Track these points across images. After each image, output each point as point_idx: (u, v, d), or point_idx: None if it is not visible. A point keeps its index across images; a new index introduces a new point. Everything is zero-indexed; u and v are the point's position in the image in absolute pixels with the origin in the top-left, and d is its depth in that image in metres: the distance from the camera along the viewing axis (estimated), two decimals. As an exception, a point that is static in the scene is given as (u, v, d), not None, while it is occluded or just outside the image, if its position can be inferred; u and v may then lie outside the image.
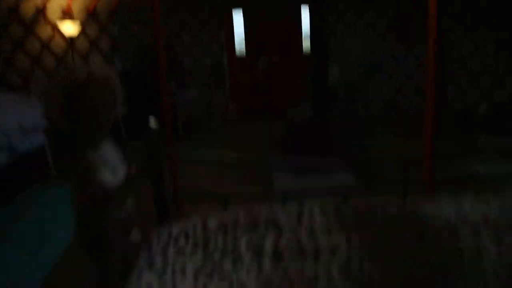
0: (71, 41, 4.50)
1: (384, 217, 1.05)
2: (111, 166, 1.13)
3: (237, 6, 5.80)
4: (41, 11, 4.39)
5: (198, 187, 3.07)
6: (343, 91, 4.01)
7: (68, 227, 1.26)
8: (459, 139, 4.26)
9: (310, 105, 3.42)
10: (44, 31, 4.50)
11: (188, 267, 0.93)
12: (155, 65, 2.28)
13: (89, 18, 4.71)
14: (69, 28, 4.31)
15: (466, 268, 0.87)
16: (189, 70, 5.70)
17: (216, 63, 6.02)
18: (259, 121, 5.60)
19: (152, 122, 1.25)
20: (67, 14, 4.32)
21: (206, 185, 3.45)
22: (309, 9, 3.83)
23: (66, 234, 1.98)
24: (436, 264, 0.89)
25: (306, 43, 5.61)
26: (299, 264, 0.90)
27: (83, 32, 4.62)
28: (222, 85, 6.13)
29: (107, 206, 1.11)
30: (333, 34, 5.66)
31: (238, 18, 6.00)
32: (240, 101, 6.49)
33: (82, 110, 1.06)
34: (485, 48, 5.10)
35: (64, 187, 1.29)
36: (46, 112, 2.35)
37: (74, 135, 1.10)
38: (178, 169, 2.38)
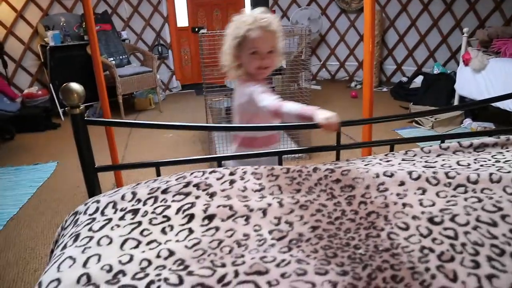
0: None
1: (316, 178, 1.06)
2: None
3: (177, -26, 5.51)
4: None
5: (137, 159, 2.97)
6: (287, 63, 4.02)
7: None
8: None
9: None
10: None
11: (115, 237, 0.88)
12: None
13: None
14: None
15: (391, 218, 0.90)
16: (129, 44, 5.41)
17: (158, 36, 5.76)
18: (202, 95, 5.49)
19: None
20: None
21: (144, 156, 3.37)
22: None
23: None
24: (364, 217, 0.92)
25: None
26: (230, 225, 0.88)
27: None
28: (165, 59, 5.90)
29: None
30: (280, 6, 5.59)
31: (179, -12, 5.71)
32: (184, 74, 6.31)
33: None
34: (420, 23, 5.32)
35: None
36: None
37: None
38: (114, 142, 2.26)
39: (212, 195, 1.00)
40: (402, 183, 1.02)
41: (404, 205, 0.95)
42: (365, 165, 1.16)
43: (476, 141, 1.33)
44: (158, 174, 1.25)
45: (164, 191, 1.01)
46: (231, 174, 1.08)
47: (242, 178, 1.06)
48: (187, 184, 1.04)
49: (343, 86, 5.90)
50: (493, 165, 1.14)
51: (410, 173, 1.05)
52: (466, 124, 3.80)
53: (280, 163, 1.29)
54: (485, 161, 1.19)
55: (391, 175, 1.04)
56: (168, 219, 0.91)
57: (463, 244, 0.81)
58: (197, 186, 1.03)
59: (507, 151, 1.28)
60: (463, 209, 0.92)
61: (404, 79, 5.30)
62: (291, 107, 1.19)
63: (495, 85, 3.33)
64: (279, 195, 1.00)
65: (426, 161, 1.19)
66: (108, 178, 2.43)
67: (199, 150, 3.61)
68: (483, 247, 0.81)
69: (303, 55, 3.61)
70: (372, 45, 2.79)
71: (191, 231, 0.87)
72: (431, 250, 0.80)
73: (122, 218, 0.94)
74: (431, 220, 0.89)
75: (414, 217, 0.90)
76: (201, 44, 3.00)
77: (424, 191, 1.00)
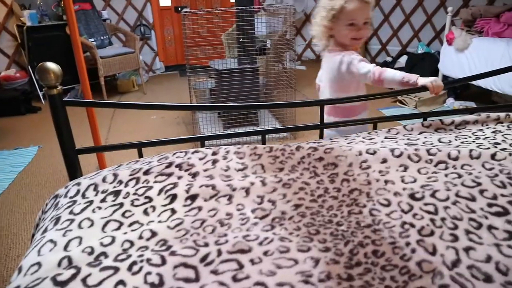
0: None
1: (299, 156, 1.06)
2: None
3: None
4: None
5: (120, 141, 2.94)
6: (271, 43, 3.98)
7: None
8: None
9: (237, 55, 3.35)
10: None
11: (96, 219, 0.86)
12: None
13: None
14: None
15: (373, 195, 0.91)
16: (110, 24, 5.26)
17: (141, 16, 5.62)
18: (186, 76, 5.41)
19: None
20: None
21: (128, 138, 3.32)
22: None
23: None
24: (346, 194, 0.92)
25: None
26: (213, 205, 0.88)
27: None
28: (148, 39, 5.77)
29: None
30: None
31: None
32: (168, 55, 6.20)
33: None
34: (405, 2, 5.29)
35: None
36: None
37: None
38: (96, 124, 2.22)
39: (194, 175, 0.99)
40: (384, 161, 1.03)
41: (386, 182, 0.96)
42: (348, 143, 1.16)
43: (458, 118, 1.34)
44: (141, 156, 1.23)
45: (146, 172, 1.00)
46: (214, 153, 1.07)
47: (224, 158, 1.05)
48: (169, 165, 1.02)
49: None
50: (474, 141, 1.16)
51: (392, 150, 1.06)
52: (449, 103, 3.85)
53: (263, 142, 1.28)
54: (466, 138, 1.20)
55: (374, 153, 1.05)
56: (150, 200, 0.90)
57: (443, 219, 0.83)
58: (179, 166, 1.02)
59: (487, 128, 1.30)
60: (444, 184, 0.93)
61: (389, 59, 5.31)
62: (393, 73, 1.31)
63: (477, 65, 3.36)
64: (262, 174, 1.00)
65: (408, 139, 1.20)
66: (91, 161, 2.40)
67: (184, 131, 3.58)
68: (461, 221, 0.82)
69: (287, 35, 3.57)
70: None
71: (173, 211, 0.86)
72: (412, 225, 0.81)
73: (103, 200, 0.92)
74: (412, 196, 0.90)
75: (395, 194, 0.91)
76: (184, 24, 2.93)
77: (406, 168, 1.01)
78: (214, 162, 1.04)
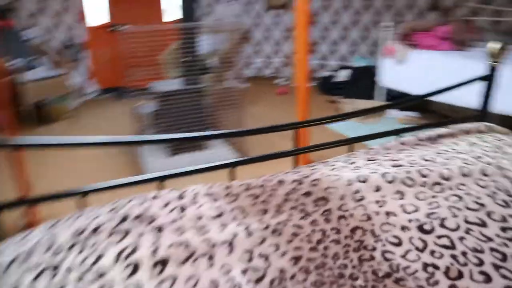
0: None
1: (283, 192, 0.90)
2: None
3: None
4: None
5: (53, 185, 2.57)
6: (216, 61, 3.83)
7: None
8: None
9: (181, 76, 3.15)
10: None
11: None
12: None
13: None
14: None
15: (379, 232, 0.78)
16: (37, 44, 4.75)
17: (72, 36, 5.18)
18: (125, 100, 5.05)
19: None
20: None
21: (63, 182, 2.94)
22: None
23: None
24: (349, 236, 0.78)
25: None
26: (190, 271, 0.68)
27: None
28: (81, 60, 5.33)
29: None
30: (201, 4, 5.34)
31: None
32: (103, 77, 5.79)
33: None
34: (342, 18, 5.47)
35: None
36: None
37: None
38: (24, 167, 1.89)
39: (159, 229, 0.78)
40: (378, 189, 0.91)
41: (387, 214, 0.83)
42: (332, 169, 1.03)
43: (432, 133, 1.28)
44: (84, 206, 0.99)
45: (94, 231, 0.77)
46: (180, 197, 0.88)
47: (194, 202, 0.86)
48: (124, 218, 0.81)
49: (270, 83, 5.87)
50: (455, 157, 1.09)
51: (383, 175, 0.94)
52: (393, 114, 3.96)
53: (233, 177, 1.11)
54: (446, 153, 1.13)
55: (365, 181, 0.92)
56: (102, 274, 0.68)
57: (464, 253, 0.71)
58: (138, 219, 0.81)
59: (461, 140, 1.24)
60: (448, 210, 0.83)
61: (329, 73, 5.42)
62: None
63: (416, 76, 3.49)
64: (243, 219, 0.82)
65: (391, 159, 1.10)
66: (15, 217, 2.03)
67: (126, 162, 3.26)
68: (484, 254, 0.71)
69: (234, 52, 3.46)
70: (305, 42, 2.73)
71: (139, 287, 0.65)
72: (435, 267, 0.68)
73: (35, 279, 0.69)
74: (421, 228, 0.78)
75: (403, 228, 0.78)
76: (122, 43, 2.68)
77: (402, 195, 0.89)
78: (182, 209, 0.84)
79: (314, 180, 0.92)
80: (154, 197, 0.88)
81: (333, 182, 0.91)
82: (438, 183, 0.93)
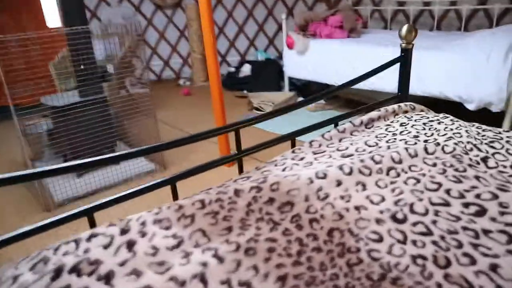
0: None
1: (244, 204, 0.80)
2: None
3: None
4: None
5: None
6: (113, 67, 3.50)
7: None
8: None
9: (76, 87, 2.80)
10: None
11: None
12: None
13: None
14: None
15: (357, 231, 0.73)
16: None
17: None
18: (10, 119, 4.36)
19: None
20: None
21: None
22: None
23: None
24: (328, 240, 0.72)
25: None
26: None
27: None
28: None
29: None
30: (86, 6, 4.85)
31: None
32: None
33: None
34: (236, 14, 5.46)
35: None
36: None
37: None
38: None
39: (107, 279, 0.62)
40: (339, 183, 0.86)
41: (357, 208, 0.79)
42: (283, 169, 0.96)
43: (364, 117, 1.30)
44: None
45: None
46: (124, 232, 0.72)
47: (143, 235, 0.71)
48: (57, 273, 0.63)
49: (172, 85, 5.64)
50: (396, 139, 1.11)
51: (340, 168, 0.90)
52: (300, 103, 4.10)
53: (175, 195, 0.97)
54: (385, 136, 1.15)
55: (324, 176, 0.87)
56: None
57: (442, 238, 0.70)
58: (76, 271, 0.63)
59: (391, 122, 1.29)
60: (412, 194, 0.82)
61: (232, 69, 5.40)
62: None
63: (318, 64, 3.65)
64: (208, 244, 0.70)
65: (338, 149, 1.08)
66: None
67: (25, 194, 2.78)
68: (459, 234, 0.71)
69: (131, 56, 3.19)
70: (213, 38, 2.64)
71: None
72: (423, 258, 0.65)
73: None
74: (395, 218, 0.75)
75: (378, 221, 0.75)
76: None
77: (364, 186, 0.86)
78: (130, 246, 0.68)
79: (273, 184, 0.84)
80: (89, 238, 0.71)
81: (293, 183, 0.84)
82: (392, 168, 0.92)
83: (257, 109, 4.13)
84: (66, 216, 0.85)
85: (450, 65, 2.57)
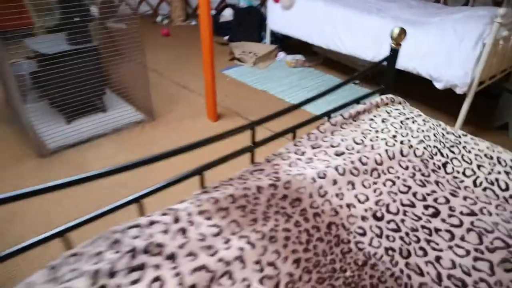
0: None
1: (265, 199, 1.03)
2: None
3: None
4: None
5: None
6: (96, 10, 3.40)
7: None
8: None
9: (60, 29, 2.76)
10: None
11: None
12: None
13: None
14: None
15: (348, 225, 0.99)
16: None
17: None
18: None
19: None
20: None
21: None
22: None
23: None
24: (327, 232, 0.98)
25: None
26: (223, 296, 0.80)
27: None
28: None
29: None
30: None
31: None
32: None
33: None
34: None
35: None
36: None
37: None
38: None
39: (171, 257, 0.86)
40: (335, 182, 1.11)
41: (348, 206, 1.05)
42: (289, 164, 1.20)
43: (352, 111, 1.53)
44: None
45: (112, 275, 0.81)
46: (176, 220, 0.94)
47: (191, 223, 0.94)
48: (132, 253, 0.85)
49: (149, 22, 5.48)
50: (378, 138, 1.36)
51: (336, 168, 1.15)
52: (281, 57, 4.22)
53: (202, 184, 1.17)
54: (369, 133, 1.39)
55: (324, 176, 1.12)
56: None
57: (407, 234, 0.99)
58: (146, 251, 0.86)
59: (374, 116, 1.52)
60: (388, 196, 1.09)
61: (213, 12, 5.30)
62: None
63: (302, 22, 3.74)
64: (241, 232, 0.94)
65: (331, 145, 1.31)
66: None
67: (10, 132, 2.86)
68: (418, 232, 1.00)
69: None
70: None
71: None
72: (393, 250, 0.94)
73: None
74: (375, 216, 1.03)
75: (363, 218, 1.02)
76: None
77: (353, 185, 1.12)
78: (183, 232, 0.91)
79: (286, 182, 1.07)
80: (150, 224, 0.92)
81: (301, 182, 1.08)
82: (375, 169, 1.18)
83: (238, 59, 4.22)
84: (119, 204, 1.04)
85: (425, 44, 2.79)
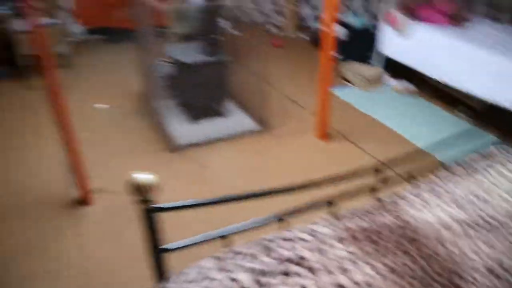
0: None
1: (393, 238, 1.20)
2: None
3: None
4: None
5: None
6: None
7: None
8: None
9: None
10: None
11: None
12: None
13: None
14: None
15: (464, 275, 1.12)
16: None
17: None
18: (118, 44, 4.80)
19: None
20: None
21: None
22: None
23: None
24: (443, 275, 1.11)
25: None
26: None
27: None
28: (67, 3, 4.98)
29: None
30: None
31: None
32: (88, 14, 5.39)
33: None
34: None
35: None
36: None
37: None
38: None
39: (311, 270, 1.06)
40: (452, 231, 1.23)
41: (465, 255, 1.17)
42: (410, 207, 1.34)
43: (468, 159, 1.60)
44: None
45: (265, 274, 1.04)
46: (316, 240, 1.15)
47: (327, 244, 1.14)
48: (279, 260, 1.08)
49: (260, 32, 5.76)
50: (495, 192, 1.42)
51: (456, 220, 1.26)
52: (388, 82, 4.25)
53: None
54: (486, 186, 1.47)
55: (445, 225, 1.24)
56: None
57: None
58: (291, 261, 1.08)
59: (490, 168, 1.57)
60: (504, 255, 1.18)
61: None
62: None
63: (417, 50, 3.72)
64: (371, 261, 1.11)
65: (449, 193, 1.42)
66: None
67: (143, 125, 3.33)
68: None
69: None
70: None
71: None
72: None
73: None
74: (491, 272, 1.13)
75: (479, 271, 1.13)
76: None
77: (470, 237, 1.23)
78: (320, 251, 1.12)
79: (410, 225, 1.23)
80: (299, 240, 1.15)
81: (419, 223, 1.23)
82: (494, 226, 1.27)
83: (347, 80, 4.33)
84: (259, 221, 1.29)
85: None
